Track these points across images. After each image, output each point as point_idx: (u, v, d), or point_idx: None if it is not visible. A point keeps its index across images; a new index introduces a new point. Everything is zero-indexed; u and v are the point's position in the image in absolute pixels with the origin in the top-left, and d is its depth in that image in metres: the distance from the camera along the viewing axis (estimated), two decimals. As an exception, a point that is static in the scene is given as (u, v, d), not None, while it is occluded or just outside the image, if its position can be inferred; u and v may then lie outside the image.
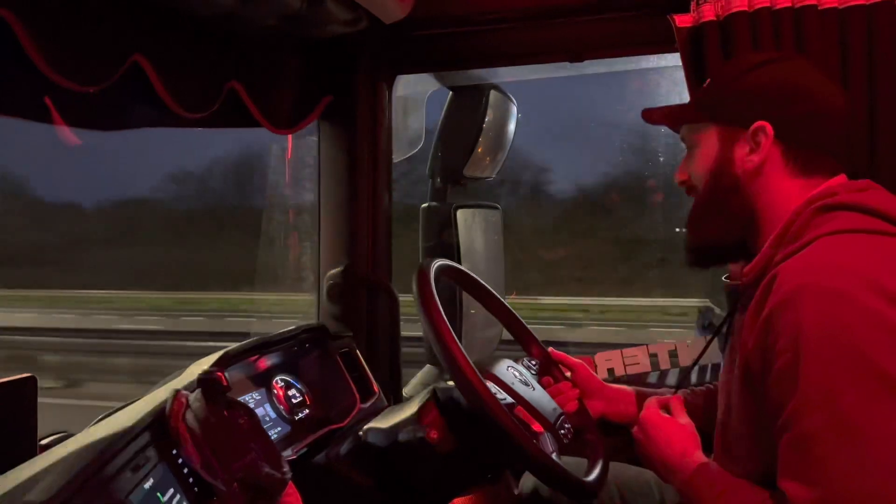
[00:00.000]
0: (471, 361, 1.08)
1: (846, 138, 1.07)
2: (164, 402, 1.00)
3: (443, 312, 1.11)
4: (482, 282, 1.41)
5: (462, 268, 1.37)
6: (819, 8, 1.35)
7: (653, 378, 1.71)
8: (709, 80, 1.17)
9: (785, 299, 0.92)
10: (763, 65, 1.08)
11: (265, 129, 1.64)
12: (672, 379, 1.70)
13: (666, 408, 1.19)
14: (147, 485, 0.88)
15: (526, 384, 1.27)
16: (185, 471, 0.96)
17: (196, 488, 0.96)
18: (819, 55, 1.34)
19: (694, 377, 1.68)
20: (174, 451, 0.96)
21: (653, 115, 1.19)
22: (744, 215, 1.08)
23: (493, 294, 1.43)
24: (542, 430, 1.18)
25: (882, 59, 1.32)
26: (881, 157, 1.33)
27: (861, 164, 1.32)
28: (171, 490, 0.91)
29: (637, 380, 1.72)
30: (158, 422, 0.96)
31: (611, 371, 1.71)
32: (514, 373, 1.29)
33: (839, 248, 0.96)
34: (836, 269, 0.91)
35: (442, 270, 1.28)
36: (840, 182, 1.06)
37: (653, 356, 1.65)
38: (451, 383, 1.21)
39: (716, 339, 1.31)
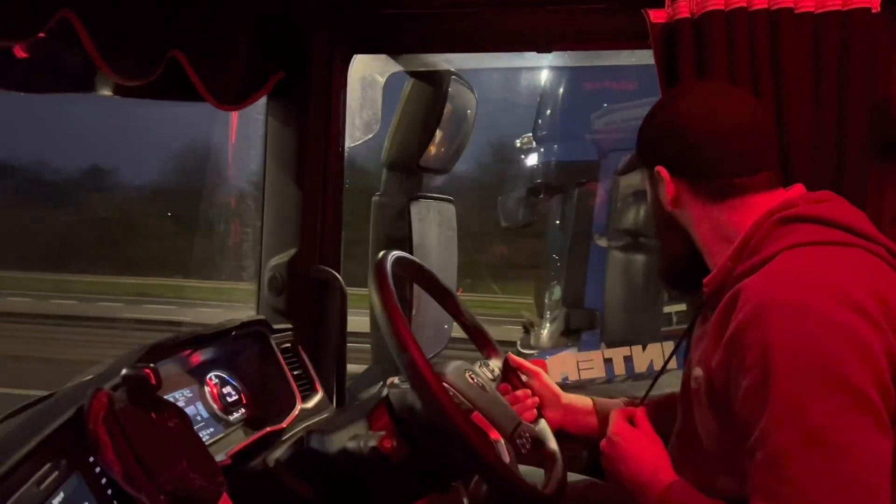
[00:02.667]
0: (429, 363, 1.00)
1: (765, 154, 1.07)
2: (81, 401, 0.88)
3: (400, 309, 1.02)
4: (441, 280, 1.33)
5: (421, 263, 1.28)
6: (795, 11, 1.32)
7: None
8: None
9: (750, 316, 0.90)
10: (663, 107, 1.12)
11: (209, 104, 1.52)
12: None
13: (630, 420, 1.13)
14: (56, 500, 0.76)
15: (483, 389, 1.20)
16: (104, 482, 0.84)
17: (116, 502, 0.84)
18: (792, 59, 1.31)
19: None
20: (91, 459, 0.84)
21: (620, 168, 1.26)
22: (684, 245, 1.13)
23: (451, 293, 1.35)
24: (499, 437, 1.11)
25: (855, 66, 1.30)
26: (848, 165, 1.31)
27: (828, 172, 1.30)
28: (86, 504, 0.80)
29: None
30: (73, 424, 0.84)
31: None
32: (469, 377, 1.21)
33: (802, 261, 0.94)
34: (801, 282, 0.90)
35: (400, 264, 1.19)
36: (799, 194, 1.05)
37: (607, 361, 1.60)
38: (403, 386, 1.13)
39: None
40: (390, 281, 1.08)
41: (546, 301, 4.23)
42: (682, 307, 3.53)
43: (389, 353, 1.87)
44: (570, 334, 3.73)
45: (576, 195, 3.99)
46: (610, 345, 3.16)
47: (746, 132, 1.05)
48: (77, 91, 1.47)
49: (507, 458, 1.06)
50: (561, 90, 4.03)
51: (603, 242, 3.56)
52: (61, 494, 0.76)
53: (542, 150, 4.08)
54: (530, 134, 4.15)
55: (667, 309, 3.55)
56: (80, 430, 0.84)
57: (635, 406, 1.19)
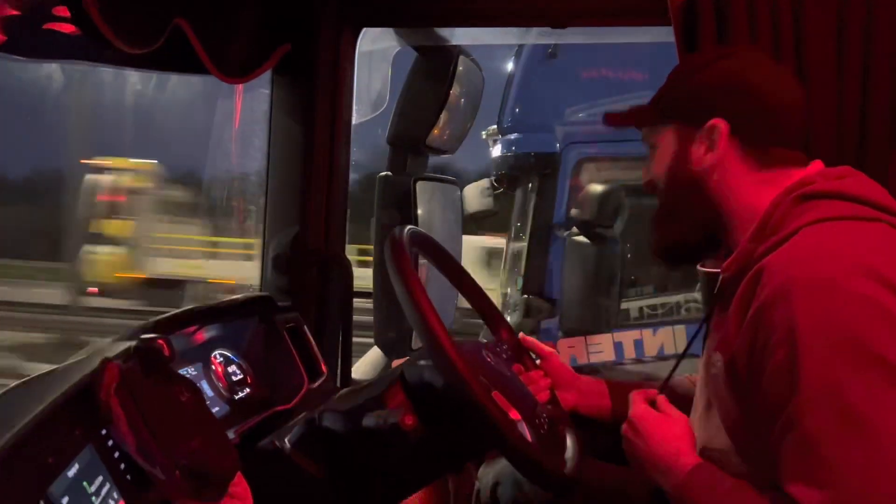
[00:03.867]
0: (451, 337, 0.97)
1: (803, 131, 1.05)
2: (92, 372, 0.84)
3: (421, 283, 0.99)
4: (454, 257, 1.30)
5: (435, 240, 1.25)
6: (819, -11, 1.30)
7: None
8: (666, 79, 1.13)
9: (775, 294, 0.88)
10: (715, 61, 1.06)
11: (213, 76, 1.47)
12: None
13: (652, 403, 1.11)
14: (71, 472, 0.72)
15: (499, 369, 1.17)
16: (117, 455, 0.80)
17: (129, 476, 0.80)
18: (816, 36, 1.29)
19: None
20: (104, 432, 0.80)
21: (615, 119, 1.16)
22: (707, 214, 1.06)
23: (465, 271, 1.32)
24: (518, 417, 1.08)
25: (879, 49, 1.28)
26: (871, 145, 1.29)
27: (850, 151, 1.28)
28: (100, 478, 0.76)
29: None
30: (84, 396, 0.80)
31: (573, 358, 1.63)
32: (486, 356, 1.18)
33: (825, 236, 0.92)
34: (826, 257, 0.88)
35: (415, 239, 1.15)
36: (817, 170, 1.03)
37: (618, 345, 1.57)
38: (421, 363, 1.10)
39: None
40: (409, 254, 1.04)
41: (508, 291, 4.30)
42: (648, 302, 3.64)
43: (392, 333, 1.86)
44: (531, 323, 3.77)
45: (537, 186, 4.05)
46: (567, 333, 3.22)
47: (802, 106, 1.04)
48: (76, 59, 1.42)
49: (528, 438, 1.03)
50: (524, 82, 4.08)
51: (562, 232, 3.62)
52: (76, 466, 0.72)
53: (505, 141, 4.15)
54: (496, 125, 4.22)
55: (625, 304, 3.62)
56: (91, 403, 0.80)
57: (655, 391, 1.16)
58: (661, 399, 1.11)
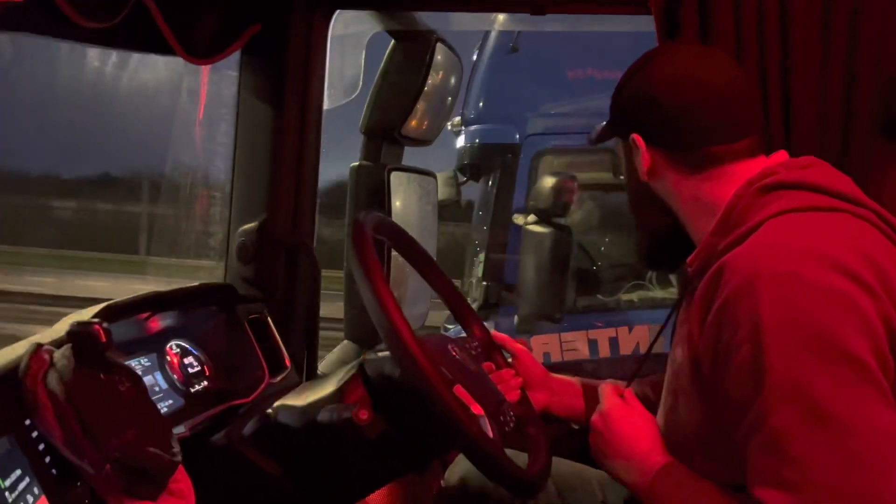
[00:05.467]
0: (411, 328, 0.92)
1: (739, 123, 1.01)
2: (19, 358, 0.78)
3: (383, 272, 0.94)
4: (423, 248, 1.25)
5: (402, 228, 1.20)
6: (804, -21, 1.26)
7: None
8: None
9: (738, 289, 0.84)
10: (634, 74, 1.06)
11: (179, 56, 1.41)
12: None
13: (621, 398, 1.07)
14: (-19, 464, 0.66)
15: (465, 364, 1.12)
16: (41, 447, 0.75)
17: (54, 470, 0.75)
18: (801, 27, 1.25)
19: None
20: (27, 422, 0.74)
21: (593, 136, 1.18)
22: (664, 218, 1.07)
23: (434, 263, 1.27)
24: (481, 412, 1.03)
25: (865, 37, 1.24)
26: (855, 136, 1.26)
27: (834, 143, 1.25)
28: (18, 472, 0.70)
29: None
30: (7, 383, 0.74)
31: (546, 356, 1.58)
32: (452, 350, 1.13)
33: (788, 228, 0.89)
34: (789, 250, 0.85)
35: (380, 227, 1.10)
36: (780, 161, 1.00)
37: (592, 342, 1.53)
38: (381, 355, 1.05)
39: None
40: (371, 241, 0.99)
41: (470, 278, 4.41)
42: (602, 300, 3.72)
43: (364, 328, 1.81)
44: (490, 308, 3.88)
45: (498, 176, 4.17)
46: (523, 319, 3.38)
47: (724, 99, 0.99)
48: (28, 31, 1.36)
49: (490, 434, 0.98)
50: (487, 74, 4.19)
51: (520, 220, 3.66)
52: (-12, 459, 0.66)
53: (468, 132, 4.27)
54: (460, 116, 4.31)
55: (583, 302, 3.71)
56: (14, 391, 0.74)
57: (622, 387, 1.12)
58: (628, 394, 1.08)
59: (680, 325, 1.03)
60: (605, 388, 1.09)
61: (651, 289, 3.75)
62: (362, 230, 1.01)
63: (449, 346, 1.12)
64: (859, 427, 0.77)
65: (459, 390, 1.00)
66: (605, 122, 1.14)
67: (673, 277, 3.64)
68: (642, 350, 2.14)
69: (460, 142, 4.29)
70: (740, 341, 0.83)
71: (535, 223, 3.20)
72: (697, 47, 1.17)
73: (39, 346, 0.79)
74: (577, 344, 1.60)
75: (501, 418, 1.07)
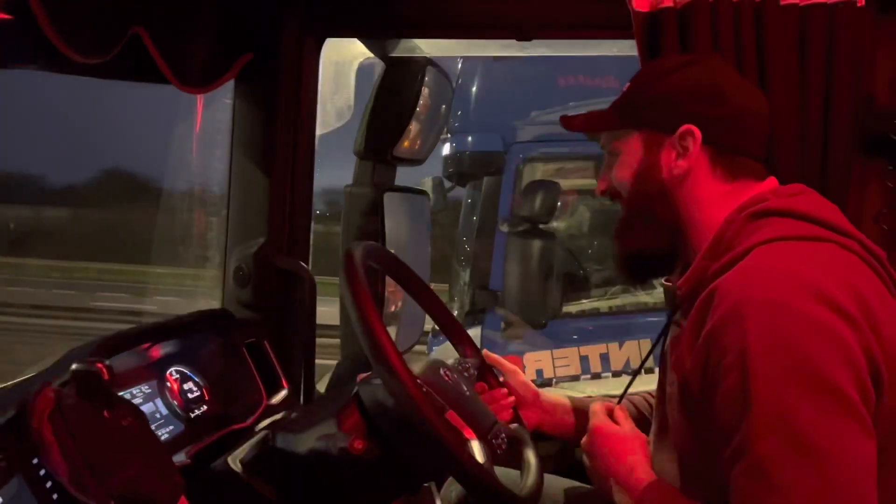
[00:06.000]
0: (402, 357, 0.94)
1: (768, 140, 1.05)
2: (26, 397, 0.81)
3: (373, 301, 0.97)
4: (415, 273, 1.28)
5: (395, 254, 1.23)
6: (780, 3, 1.29)
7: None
8: (628, 84, 1.11)
9: (727, 315, 0.86)
10: (683, 66, 1.05)
11: (173, 86, 1.44)
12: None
13: (610, 416, 1.09)
14: (-6, 505, 0.69)
15: (457, 388, 1.15)
16: (49, 485, 0.77)
17: (61, 507, 0.77)
18: (778, 51, 1.29)
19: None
20: (35, 461, 0.77)
21: (573, 123, 1.13)
22: (672, 223, 1.05)
23: (426, 287, 1.30)
24: (473, 436, 1.06)
25: (840, 60, 1.28)
26: (833, 159, 1.29)
27: (813, 165, 1.28)
28: (27, 511, 0.73)
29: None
30: (16, 422, 0.77)
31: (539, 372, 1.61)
32: (444, 374, 1.16)
33: (777, 256, 0.91)
34: (777, 279, 0.87)
35: (372, 255, 1.13)
36: (770, 188, 1.03)
37: (584, 358, 1.56)
38: (375, 382, 1.08)
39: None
40: (361, 272, 1.02)
41: (456, 284, 4.46)
42: (588, 305, 3.74)
43: (359, 347, 1.83)
44: (477, 315, 3.93)
45: (484, 184, 4.21)
46: (508, 325, 3.46)
47: (766, 115, 1.04)
48: (29, 67, 1.38)
49: (481, 459, 1.01)
50: (472, 83, 4.25)
51: (505, 227, 3.74)
52: (1, 499, 0.69)
53: (454, 140, 4.32)
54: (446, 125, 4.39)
55: (569, 308, 3.73)
56: (22, 429, 0.77)
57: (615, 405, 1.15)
58: (618, 411, 1.10)
59: (671, 346, 1.05)
60: (594, 407, 1.11)
61: (636, 294, 3.81)
62: (352, 261, 1.04)
63: (441, 371, 1.15)
64: (840, 457, 0.79)
65: (452, 416, 1.03)
66: (606, 108, 1.10)
67: (658, 282, 3.70)
68: (633, 366, 2.18)
69: (446, 149, 4.35)
70: (728, 367, 0.84)
71: (520, 230, 3.24)
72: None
73: (44, 384, 0.82)
74: (568, 360, 1.63)
75: (494, 440, 1.10)
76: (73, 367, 0.83)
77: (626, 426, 1.08)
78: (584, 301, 3.83)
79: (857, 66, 1.28)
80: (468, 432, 1.04)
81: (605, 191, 1.12)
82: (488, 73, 4.17)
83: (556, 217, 3.78)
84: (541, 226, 3.25)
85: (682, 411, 0.96)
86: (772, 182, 1.04)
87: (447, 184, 4.37)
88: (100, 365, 0.84)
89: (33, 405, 0.79)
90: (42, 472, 0.77)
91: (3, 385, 0.91)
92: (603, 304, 3.78)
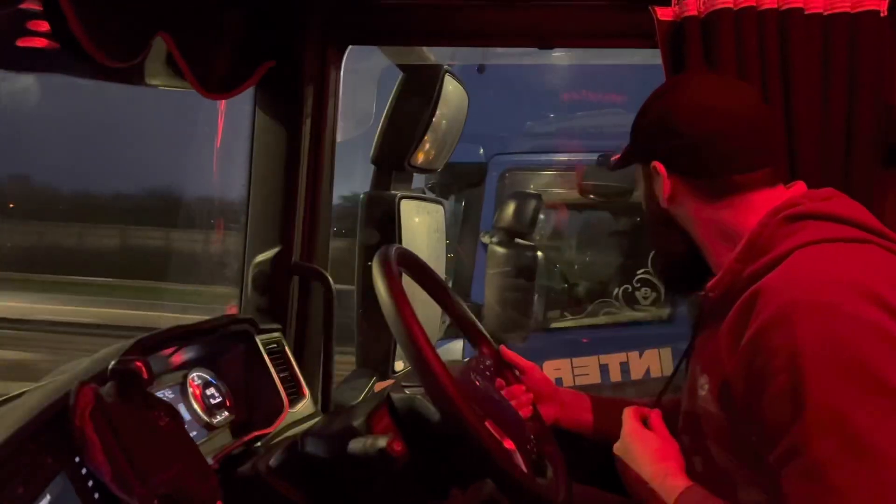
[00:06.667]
0: (445, 365, 0.93)
1: (762, 152, 1.03)
2: (66, 396, 0.80)
3: (412, 307, 0.96)
4: (438, 276, 1.27)
5: (419, 257, 1.23)
6: (805, 12, 1.31)
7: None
8: None
9: (774, 318, 0.86)
10: (652, 103, 1.09)
11: (195, 92, 1.44)
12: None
13: (644, 421, 1.09)
14: (43, 502, 0.68)
15: (490, 394, 1.14)
16: (91, 483, 0.76)
17: (104, 506, 0.76)
18: (802, 60, 1.30)
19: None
20: (77, 459, 0.76)
21: (613, 161, 1.20)
22: (683, 243, 1.10)
23: (448, 290, 1.30)
24: (513, 446, 1.05)
25: (864, 68, 1.29)
26: (856, 165, 1.30)
27: (836, 172, 1.29)
28: (73, 509, 0.72)
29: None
30: (58, 421, 0.76)
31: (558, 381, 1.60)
32: (475, 379, 1.15)
33: (820, 258, 0.90)
34: (825, 281, 0.86)
35: (402, 259, 1.13)
36: (801, 192, 1.03)
37: (604, 367, 1.56)
38: (406, 391, 1.07)
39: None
40: (398, 277, 1.02)
41: None
42: (570, 318, 3.76)
43: (375, 356, 1.82)
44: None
45: (465, 195, 4.21)
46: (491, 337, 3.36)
47: (745, 128, 1.02)
48: (54, 71, 1.39)
49: (524, 468, 1.00)
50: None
51: (486, 239, 3.74)
52: (47, 496, 0.68)
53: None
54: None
55: (553, 321, 3.74)
56: (65, 428, 0.76)
57: (648, 407, 1.14)
58: (654, 417, 1.09)
59: (700, 350, 1.05)
60: (627, 413, 1.11)
61: (618, 307, 3.80)
62: (388, 265, 1.03)
63: (472, 376, 1.14)
64: None
65: (490, 424, 1.02)
66: (624, 147, 1.16)
67: (640, 296, 3.74)
68: (653, 374, 2.17)
69: None
70: (777, 369, 0.84)
71: (501, 242, 3.25)
72: (721, 77, 1.19)
73: (83, 383, 0.81)
74: (588, 369, 1.62)
75: (528, 446, 1.09)
76: (112, 365, 0.82)
77: (661, 432, 1.07)
78: (567, 314, 3.83)
79: (880, 75, 1.30)
80: (508, 442, 1.04)
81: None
82: (469, 86, 4.20)
83: (539, 229, 3.78)
84: (522, 238, 3.26)
85: (720, 412, 0.95)
86: (801, 186, 1.05)
87: (429, 195, 4.37)
88: (139, 363, 0.83)
89: (74, 404, 0.78)
90: (84, 470, 0.76)
91: (37, 385, 0.90)
92: (586, 318, 3.78)
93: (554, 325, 3.77)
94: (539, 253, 3.39)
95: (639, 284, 3.78)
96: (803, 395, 0.81)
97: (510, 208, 3.35)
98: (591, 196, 3.74)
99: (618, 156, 1.18)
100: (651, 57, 1.42)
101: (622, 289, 3.81)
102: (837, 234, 0.93)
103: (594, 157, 3.64)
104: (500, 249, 3.30)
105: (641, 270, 3.78)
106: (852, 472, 0.79)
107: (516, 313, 3.27)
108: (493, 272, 3.28)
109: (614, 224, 4.07)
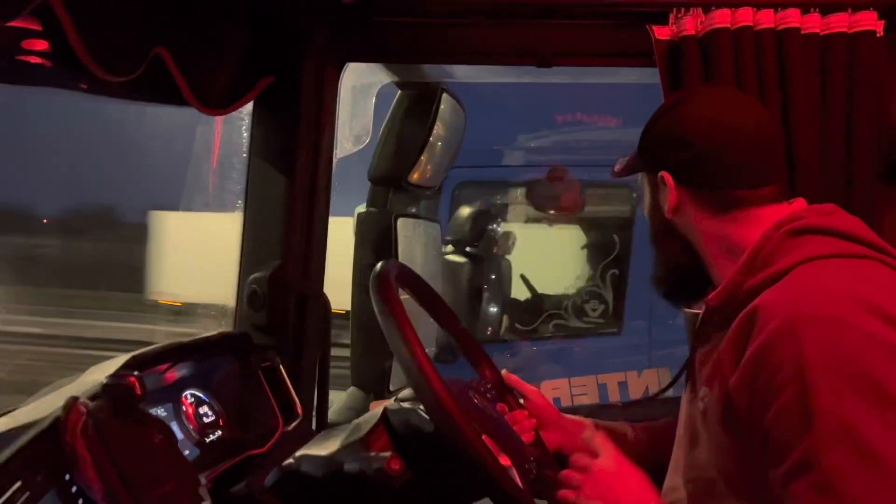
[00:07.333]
0: (443, 380, 0.92)
1: (767, 169, 1.03)
2: (56, 412, 0.78)
3: (410, 321, 0.95)
4: (439, 294, 1.26)
5: (420, 276, 1.21)
6: (801, 32, 1.32)
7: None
8: None
9: (779, 331, 0.86)
10: (662, 114, 1.09)
11: (193, 108, 1.44)
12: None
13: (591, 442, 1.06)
14: (31, 521, 0.66)
15: (488, 412, 1.12)
16: (81, 501, 0.74)
17: (93, 525, 0.74)
18: (800, 79, 1.31)
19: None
20: (67, 477, 0.74)
21: (618, 169, 1.20)
22: (686, 254, 1.09)
23: (448, 309, 1.28)
24: (509, 463, 1.03)
25: (862, 87, 1.30)
26: (857, 183, 1.30)
27: (837, 190, 1.29)
28: (62, 528, 0.69)
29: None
30: (48, 437, 0.74)
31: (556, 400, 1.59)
32: (473, 396, 1.14)
33: (823, 273, 0.91)
34: (829, 295, 0.87)
35: (400, 275, 1.12)
36: (803, 207, 1.04)
37: (602, 387, 1.54)
38: (405, 406, 1.05)
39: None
40: (397, 292, 1.00)
41: None
42: (520, 329, 3.78)
43: (370, 375, 1.80)
44: None
45: (422, 207, 4.22)
46: (441, 349, 3.39)
47: (753, 143, 1.02)
48: (51, 85, 1.38)
49: (522, 485, 0.98)
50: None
51: (442, 251, 3.79)
52: (36, 515, 0.66)
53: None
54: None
55: (502, 332, 3.80)
56: (55, 445, 0.74)
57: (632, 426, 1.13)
58: (600, 439, 1.06)
59: (700, 364, 1.04)
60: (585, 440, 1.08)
61: (567, 318, 3.85)
62: (387, 281, 1.02)
63: (470, 393, 1.13)
64: None
65: (487, 440, 1.00)
66: (629, 156, 1.17)
67: (588, 308, 3.79)
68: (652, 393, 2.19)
69: None
70: (783, 383, 0.84)
71: (452, 253, 3.26)
72: (730, 90, 1.20)
73: (75, 399, 0.79)
74: (587, 388, 1.62)
75: (526, 466, 1.08)
76: (105, 380, 0.80)
77: (609, 454, 1.04)
78: (518, 325, 3.85)
79: (878, 94, 1.31)
80: (504, 459, 1.02)
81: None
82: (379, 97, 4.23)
83: (490, 242, 3.81)
84: (472, 251, 3.29)
85: (722, 426, 0.94)
86: (801, 202, 1.05)
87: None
88: (132, 379, 0.81)
89: (65, 420, 0.76)
90: (74, 488, 0.74)
91: (28, 400, 0.88)
92: (535, 328, 3.82)
93: (504, 335, 3.82)
94: (489, 265, 3.43)
95: (587, 297, 3.87)
96: (812, 408, 0.81)
97: (461, 220, 3.42)
98: (543, 210, 3.81)
99: (622, 165, 1.18)
100: (649, 76, 1.42)
101: (571, 301, 3.88)
102: (839, 249, 0.94)
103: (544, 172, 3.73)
104: (451, 260, 3.35)
105: (590, 283, 3.87)
106: (864, 483, 0.78)
107: (469, 321, 3.35)
108: (447, 283, 3.31)
109: (564, 238, 4.14)
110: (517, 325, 3.89)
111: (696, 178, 1.04)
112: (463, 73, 1.71)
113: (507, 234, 4.20)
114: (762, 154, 1.03)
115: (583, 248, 4.02)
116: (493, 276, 3.81)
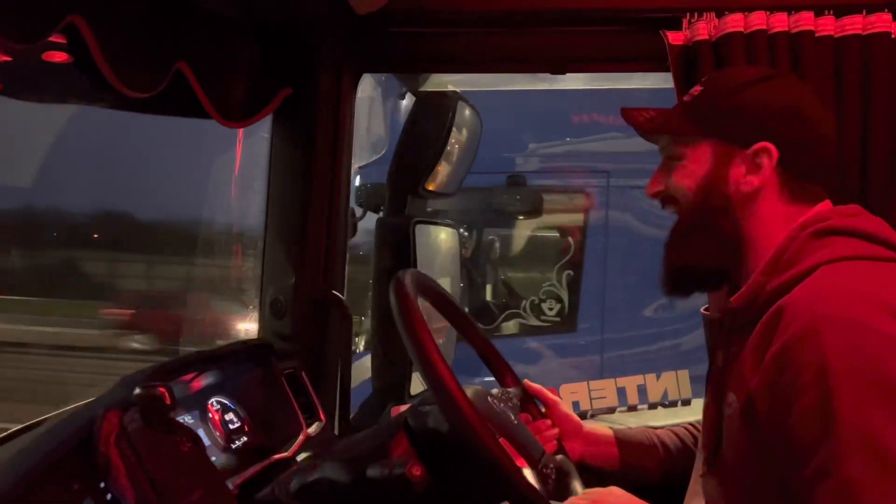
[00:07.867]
0: (460, 384, 0.94)
1: (836, 166, 1.05)
2: (90, 422, 0.81)
3: (429, 329, 0.97)
4: (458, 303, 1.28)
5: (439, 284, 1.23)
6: (816, 35, 1.32)
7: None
8: (699, 87, 1.07)
9: (801, 333, 0.85)
10: (764, 80, 1.02)
11: (214, 120, 1.47)
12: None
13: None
14: (70, 528, 0.69)
15: (506, 417, 1.14)
16: (115, 509, 0.77)
17: (128, 532, 0.77)
18: (815, 82, 1.31)
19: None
20: (102, 485, 0.77)
21: (635, 118, 1.07)
22: (731, 239, 1.02)
23: (468, 317, 1.30)
24: (525, 465, 1.05)
25: (877, 90, 1.30)
26: (872, 187, 1.30)
27: (852, 193, 1.29)
28: (98, 535, 0.72)
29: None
30: (83, 447, 0.77)
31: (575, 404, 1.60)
32: (492, 402, 1.15)
33: (848, 275, 0.90)
34: (853, 297, 0.86)
35: (419, 284, 1.14)
36: (829, 208, 1.02)
37: (621, 390, 1.55)
38: (425, 408, 1.07)
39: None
40: (415, 299, 1.02)
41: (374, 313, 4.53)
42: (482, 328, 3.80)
43: (391, 379, 1.83)
44: None
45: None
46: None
47: (837, 142, 1.05)
48: (78, 102, 1.42)
49: (538, 487, 1.00)
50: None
51: None
52: (75, 523, 0.69)
53: (361, 171, 4.38)
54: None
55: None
56: (90, 454, 0.77)
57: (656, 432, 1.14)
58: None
59: (726, 368, 1.02)
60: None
61: (526, 317, 3.94)
62: (405, 287, 1.04)
63: (489, 399, 1.14)
64: None
65: (504, 443, 1.02)
66: (672, 110, 1.06)
67: (546, 307, 3.88)
68: (671, 397, 2.17)
69: (356, 181, 4.52)
70: (805, 385, 0.83)
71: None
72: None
73: (108, 409, 0.82)
74: (605, 392, 1.63)
75: (544, 470, 1.09)
76: (137, 391, 0.83)
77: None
78: (479, 324, 3.86)
79: (893, 95, 1.30)
80: (520, 461, 1.04)
81: (658, 193, 1.07)
82: (396, 107, 4.27)
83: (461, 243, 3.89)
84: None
85: (744, 431, 0.94)
86: (826, 203, 1.03)
87: (359, 212, 4.42)
88: (162, 389, 0.84)
89: (99, 430, 0.79)
90: (109, 495, 0.77)
91: (59, 411, 0.91)
92: (496, 327, 3.91)
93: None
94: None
95: (545, 297, 3.95)
96: (833, 412, 0.81)
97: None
98: (503, 214, 3.89)
99: (653, 112, 1.06)
100: (663, 81, 1.43)
101: (529, 301, 3.96)
102: (865, 251, 0.93)
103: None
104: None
105: (547, 284, 3.95)
106: (883, 492, 0.78)
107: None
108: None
109: (523, 240, 4.21)
110: (479, 325, 3.90)
111: (805, 161, 0.99)
112: (479, 81, 1.73)
113: (474, 236, 4.26)
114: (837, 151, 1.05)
115: (541, 250, 4.13)
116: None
